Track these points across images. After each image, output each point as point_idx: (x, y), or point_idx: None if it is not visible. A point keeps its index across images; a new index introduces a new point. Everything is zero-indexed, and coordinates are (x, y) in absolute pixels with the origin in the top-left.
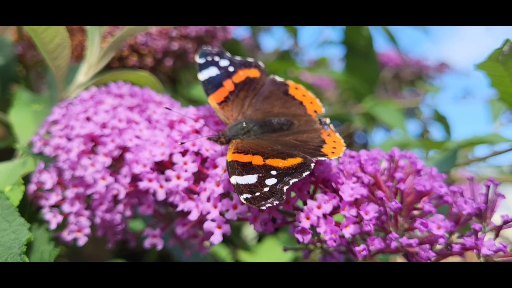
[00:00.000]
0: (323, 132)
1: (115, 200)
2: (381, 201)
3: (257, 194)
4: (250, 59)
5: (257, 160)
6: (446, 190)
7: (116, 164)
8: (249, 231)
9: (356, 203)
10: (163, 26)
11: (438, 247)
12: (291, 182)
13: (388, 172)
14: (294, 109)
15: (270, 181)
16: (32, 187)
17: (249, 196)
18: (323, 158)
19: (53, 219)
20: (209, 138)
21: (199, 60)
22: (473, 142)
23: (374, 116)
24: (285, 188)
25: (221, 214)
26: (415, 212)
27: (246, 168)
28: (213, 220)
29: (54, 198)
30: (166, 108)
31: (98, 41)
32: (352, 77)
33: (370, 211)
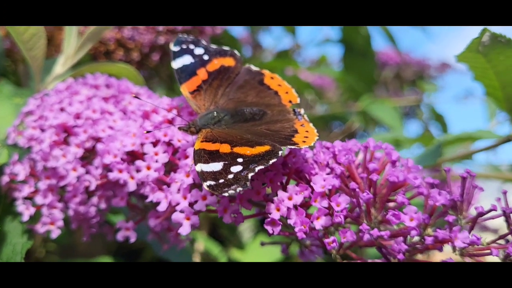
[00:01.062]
0: (296, 122)
1: (88, 192)
2: (354, 193)
3: (221, 181)
4: (226, 48)
5: (225, 148)
6: (421, 182)
7: (90, 156)
8: (245, 230)
9: (328, 194)
10: None
11: (414, 240)
12: (257, 169)
13: (363, 163)
14: (268, 99)
15: (235, 168)
16: (5, 179)
17: (212, 183)
18: (293, 147)
19: (26, 211)
20: (179, 128)
21: (174, 48)
22: (462, 138)
23: (370, 114)
24: (249, 175)
25: (191, 205)
26: (391, 205)
27: (212, 156)
28: (181, 211)
29: (27, 190)
30: (135, 97)
31: (75, 32)
32: (350, 75)
33: (342, 202)
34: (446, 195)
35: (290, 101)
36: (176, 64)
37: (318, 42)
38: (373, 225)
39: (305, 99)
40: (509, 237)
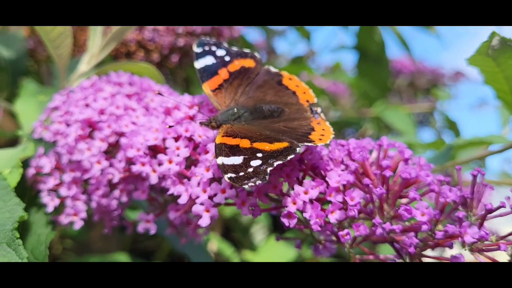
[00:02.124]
0: (313, 120)
1: (111, 185)
2: (368, 188)
3: (241, 174)
4: (247, 50)
5: (245, 143)
6: (432, 179)
7: (113, 150)
8: (258, 232)
9: (343, 189)
10: None
11: (424, 235)
12: (275, 164)
13: (377, 161)
14: (286, 98)
15: (255, 163)
16: (31, 171)
17: (233, 175)
18: (309, 144)
19: (51, 203)
20: (201, 123)
21: (197, 49)
22: (473, 143)
23: (383, 120)
24: (268, 169)
25: (210, 198)
26: (403, 201)
27: (233, 150)
28: (201, 204)
29: (52, 182)
30: (159, 94)
31: (100, 31)
32: (364, 81)
33: (356, 197)
34: (457, 192)
35: (307, 101)
36: (199, 64)
37: (333, 48)
38: (385, 220)
39: (319, 105)
40: None
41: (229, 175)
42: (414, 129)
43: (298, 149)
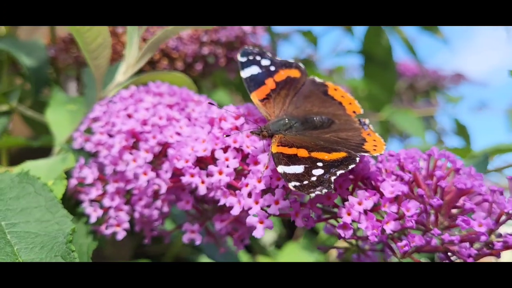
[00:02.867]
0: (363, 131)
1: (155, 195)
2: (421, 199)
3: (305, 182)
4: (291, 60)
5: (302, 152)
6: (486, 189)
7: (155, 161)
8: (267, 237)
9: (396, 200)
10: (194, 31)
11: (476, 245)
12: (338, 173)
13: (426, 170)
14: (333, 108)
15: (317, 172)
16: (73, 182)
17: (297, 184)
18: (365, 154)
19: (93, 213)
20: (252, 132)
21: (241, 58)
22: (501, 150)
23: (394, 124)
24: (332, 178)
25: (262, 209)
26: (454, 211)
27: (292, 159)
28: (255, 215)
29: (94, 193)
30: (210, 103)
31: (136, 41)
32: (371, 85)
33: (411, 207)
34: None
35: (354, 112)
36: (245, 73)
37: (339, 53)
38: (441, 231)
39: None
40: None
41: (294, 183)
42: (424, 132)
43: (357, 159)
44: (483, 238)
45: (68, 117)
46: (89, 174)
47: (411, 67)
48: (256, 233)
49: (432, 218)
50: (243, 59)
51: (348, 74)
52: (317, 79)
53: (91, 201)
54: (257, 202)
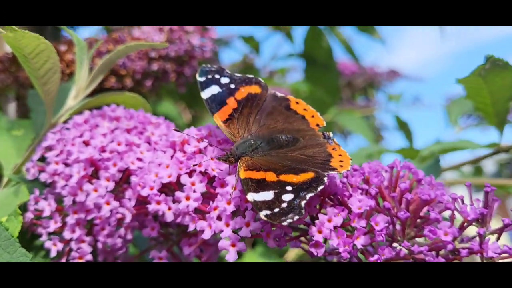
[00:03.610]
0: (328, 146)
1: (118, 223)
2: (388, 212)
3: (276, 210)
4: (250, 76)
5: (270, 176)
6: (448, 198)
7: (117, 188)
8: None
9: (363, 214)
10: (140, 48)
11: (442, 252)
12: (308, 196)
13: (389, 181)
14: (297, 124)
15: (287, 197)
16: (29, 215)
17: (268, 212)
18: (333, 172)
19: (53, 247)
20: (218, 158)
21: (200, 78)
22: (447, 149)
23: (339, 125)
24: (302, 203)
25: (234, 231)
26: (418, 221)
27: (260, 185)
28: (227, 238)
29: (53, 226)
30: (175, 130)
31: (86, 63)
32: (315, 88)
33: (380, 221)
34: (476, 210)
35: (317, 125)
36: (205, 94)
37: (281, 57)
38: (407, 242)
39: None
40: None
41: (264, 212)
42: (369, 132)
43: (325, 179)
44: (449, 246)
45: (13, 145)
46: (46, 206)
47: (349, 65)
48: (229, 257)
49: (399, 228)
50: (202, 79)
51: (290, 76)
52: (278, 94)
53: (50, 234)
54: (228, 225)
